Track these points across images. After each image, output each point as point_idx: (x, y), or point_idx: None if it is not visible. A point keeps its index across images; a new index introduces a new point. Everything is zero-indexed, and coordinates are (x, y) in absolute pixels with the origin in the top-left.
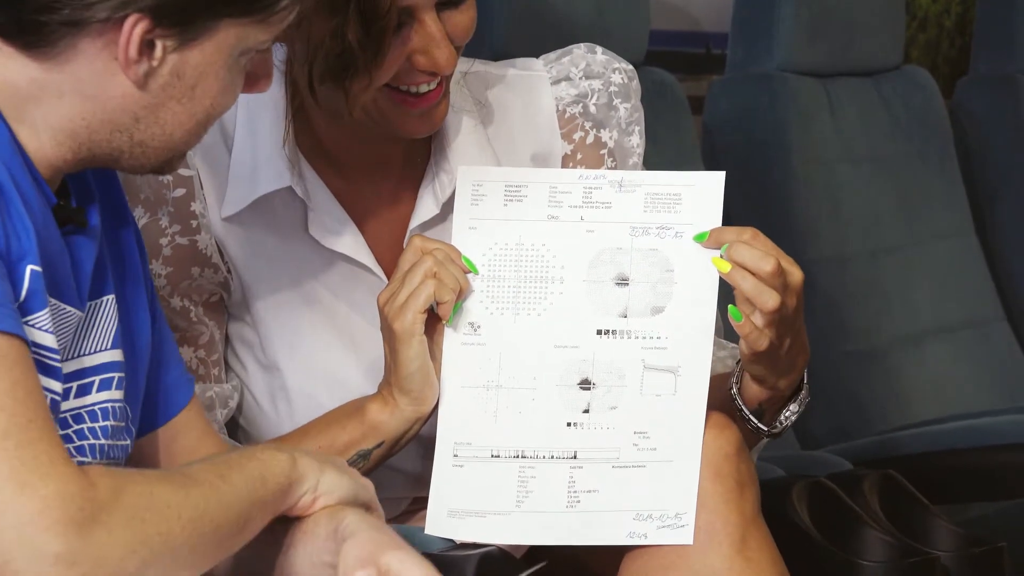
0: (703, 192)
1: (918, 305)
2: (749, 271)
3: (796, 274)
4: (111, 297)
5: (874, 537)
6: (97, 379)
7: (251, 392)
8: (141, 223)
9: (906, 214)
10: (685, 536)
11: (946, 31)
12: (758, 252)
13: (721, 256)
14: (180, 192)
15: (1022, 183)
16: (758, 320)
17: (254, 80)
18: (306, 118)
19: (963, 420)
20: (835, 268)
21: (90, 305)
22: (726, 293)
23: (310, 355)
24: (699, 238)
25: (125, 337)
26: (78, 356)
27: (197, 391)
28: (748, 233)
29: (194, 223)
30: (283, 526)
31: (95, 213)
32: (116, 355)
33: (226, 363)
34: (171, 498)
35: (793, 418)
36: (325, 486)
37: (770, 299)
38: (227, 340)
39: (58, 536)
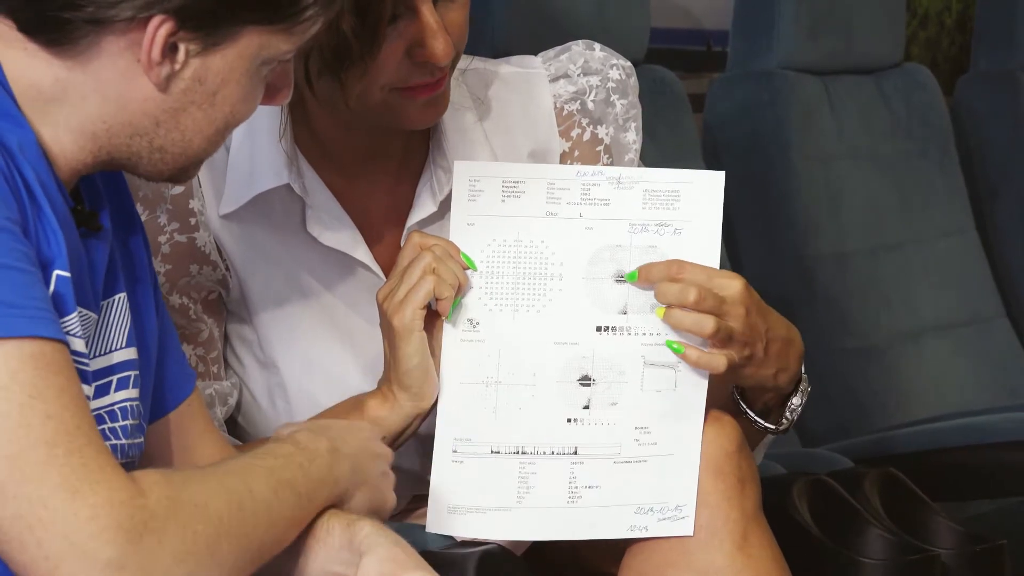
0: (702, 190)
1: (918, 302)
2: (677, 307)
3: (732, 286)
4: (123, 295)
5: (875, 535)
6: (115, 378)
7: (250, 390)
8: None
9: (906, 211)
10: (685, 528)
11: (947, 28)
12: (677, 287)
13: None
14: (178, 190)
15: (1022, 180)
16: (706, 347)
17: (274, 91)
18: (304, 114)
19: (963, 418)
20: (835, 265)
21: (103, 304)
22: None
23: (308, 352)
24: (630, 277)
25: (137, 334)
26: (96, 356)
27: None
28: (674, 267)
29: (192, 220)
30: None
31: (106, 216)
32: (131, 353)
33: (225, 361)
34: (224, 513)
35: (798, 411)
36: (354, 505)
37: (707, 324)
38: (226, 338)
39: (107, 543)
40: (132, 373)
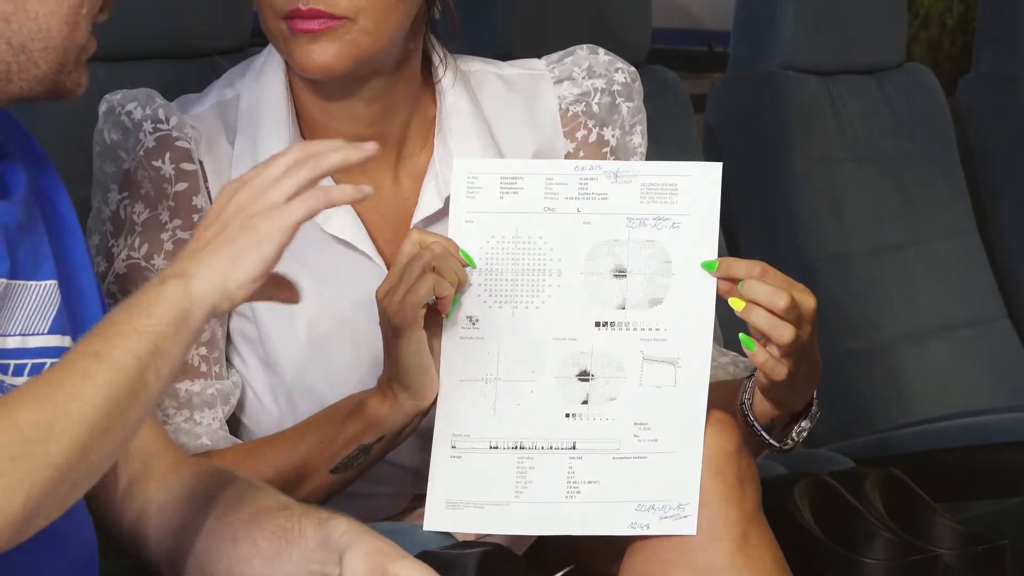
0: (700, 183)
1: (920, 303)
2: (763, 307)
3: (809, 303)
4: (51, 283)
5: (876, 535)
6: (29, 363)
7: (252, 388)
8: (142, 219)
9: (908, 212)
10: (688, 526)
11: (948, 29)
12: (770, 288)
13: (715, 271)
14: (182, 186)
15: None
16: (774, 351)
17: None
18: (302, 107)
19: (965, 418)
20: (837, 266)
21: (18, 285)
22: (736, 314)
23: (311, 348)
24: (708, 266)
25: (71, 323)
26: (11, 335)
27: (198, 388)
28: (758, 268)
29: (196, 217)
30: (264, 535)
31: (19, 180)
32: (54, 340)
33: (227, 359)
34: (38, 418)
35: (804, 434)
36: (234, 284)
37: (785, 332)
38: (228, 337)
39: None
40: (52, 360)
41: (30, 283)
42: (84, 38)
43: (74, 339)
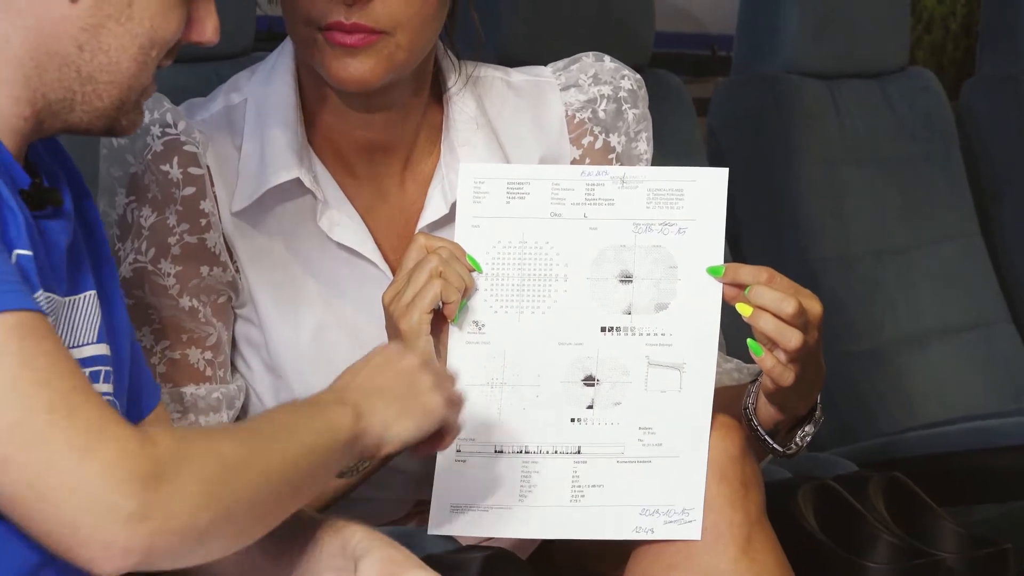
0: (706, 188)
1: (923, 306)
2: (770, 313)
3: (816, 308)
4: (92, 293)
5: (880, 539)
6: (87, 371)
7: (257, 393)
8: (148, 222)
9: (911, 215)
10: (693, 531)
11: (951, 33)
12: (778, 294)
13: (720, 277)
14: (189, 191)
15: None
16: (781, 357)
17: (196, 24)
18: (312, 112)
19: (968, 421)
20: (840, 269)
21: (71, 301)
22: (743, 319)
23: (316, 355)
24: (714, 272)
25: (108, 331)
26: (67, 347)
27: (203, 392)
28: (765, 274)
29: (203, 221)
30: (273, 540)
31: (67, 195)
32: (101, 349)
33: (232, 364)
34: (238, 455)
35: (808, 438)
36: (390, 436)
37: (793, 338)
38: (233, 341)
39: (127, 495)
40: (103, 368)
41: (79, 296)
42: (148, 80)
43: (111, 347)
